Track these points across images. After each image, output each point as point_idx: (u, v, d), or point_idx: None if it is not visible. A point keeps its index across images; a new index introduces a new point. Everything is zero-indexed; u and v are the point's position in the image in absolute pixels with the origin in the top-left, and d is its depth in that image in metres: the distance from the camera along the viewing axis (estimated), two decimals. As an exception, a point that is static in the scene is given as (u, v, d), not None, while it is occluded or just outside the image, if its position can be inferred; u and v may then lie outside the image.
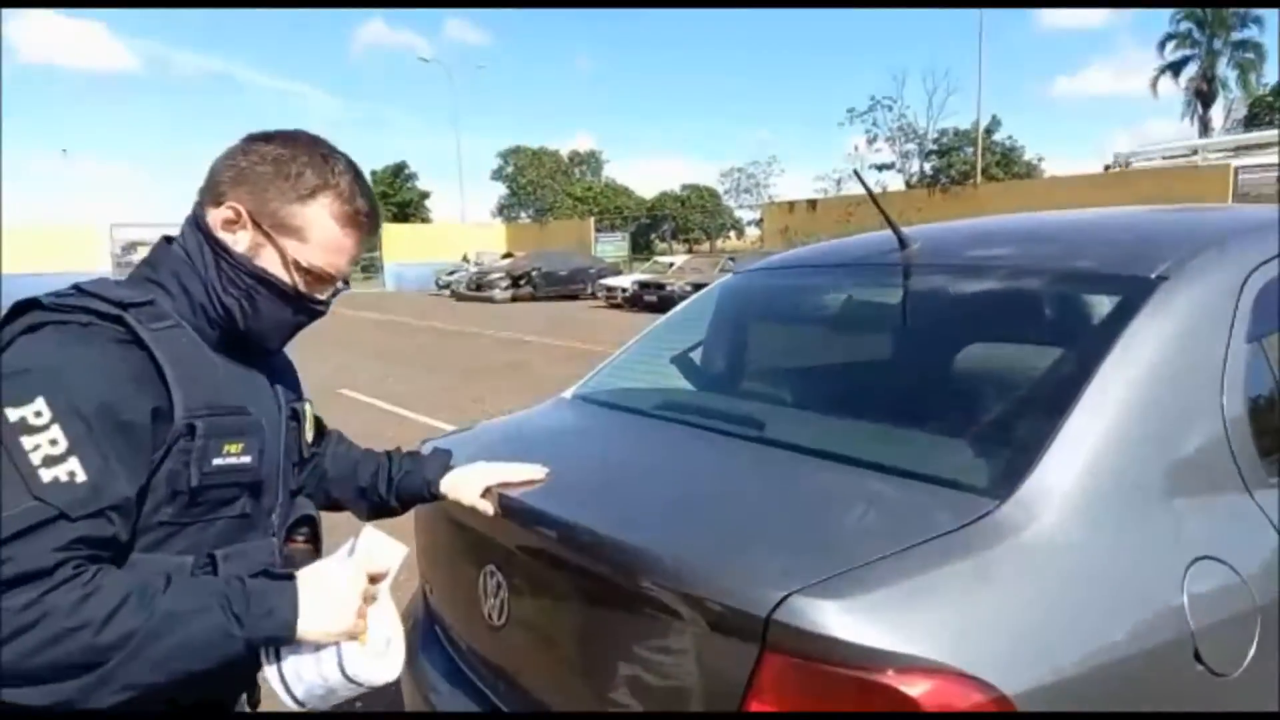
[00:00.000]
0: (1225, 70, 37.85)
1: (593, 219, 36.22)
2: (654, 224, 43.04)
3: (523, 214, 61.95)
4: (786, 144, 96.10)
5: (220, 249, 1.14)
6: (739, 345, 2.35)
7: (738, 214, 53.39)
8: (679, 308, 2.63)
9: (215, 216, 1.15)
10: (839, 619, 1.07)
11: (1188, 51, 38.55)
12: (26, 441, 0.92)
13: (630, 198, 58.45)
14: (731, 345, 2.36)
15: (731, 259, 21.46)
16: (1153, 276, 1.53)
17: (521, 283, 25.17)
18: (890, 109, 33.36)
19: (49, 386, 0.95)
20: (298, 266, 1.17)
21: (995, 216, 2.32)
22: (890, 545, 1.18)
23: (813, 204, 25.47)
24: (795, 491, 1.45)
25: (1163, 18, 38.93)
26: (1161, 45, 38.92)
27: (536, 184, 62.56)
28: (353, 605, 1.10)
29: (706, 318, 2.48)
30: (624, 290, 21.99)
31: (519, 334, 15.46)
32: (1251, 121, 37.24)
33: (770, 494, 1.45)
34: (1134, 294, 1.52)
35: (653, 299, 20.29)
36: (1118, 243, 1.78)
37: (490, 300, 24.33)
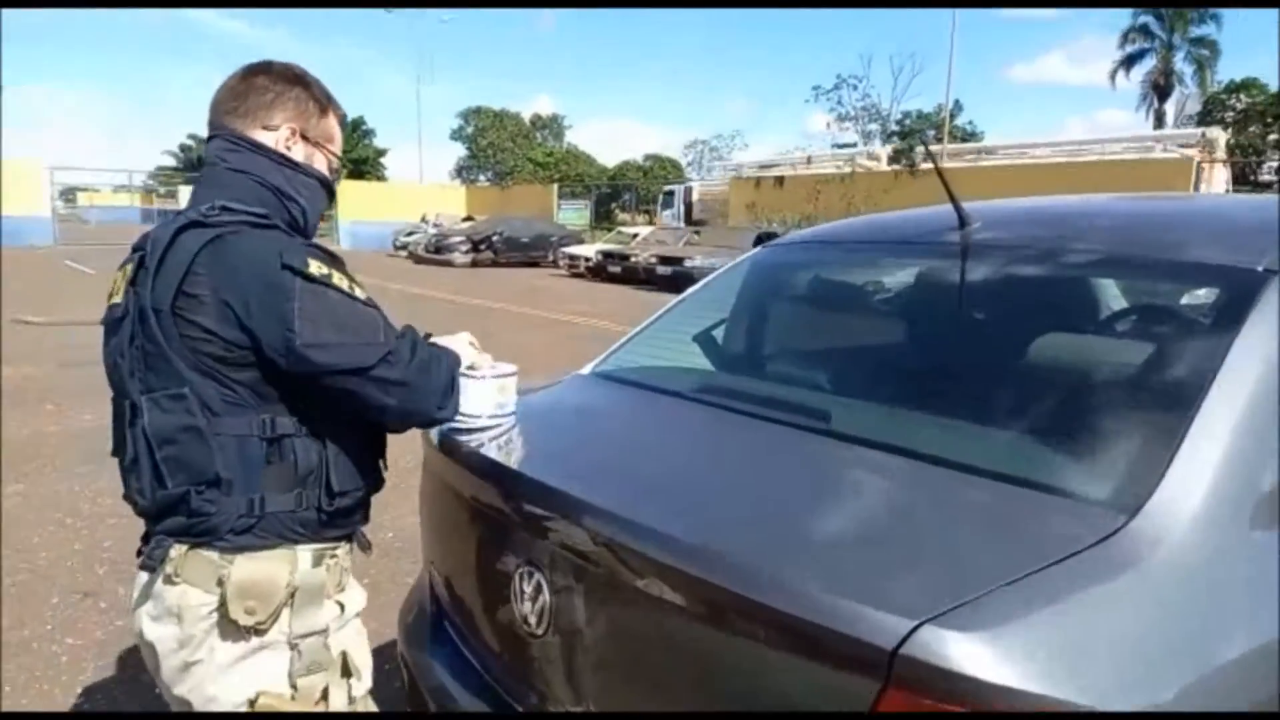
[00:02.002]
0: (1182, 65, 38.61)
1: (555, 185, 35.59)
2: (615, 193, 42.58)
3: (482, 177, 60.94)
4: (750, 118, 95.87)
5: (292, 164, 1.42)
6: (776, 325, 2.20)
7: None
8: (701, 284, 2.46)
9: (276, 138, 1.41)
10: (978, 655, 0.93)
11: (1145, 45, 39.18)
12: (336, 281, 1.30)
13: (592, 165, 57.76)
14: (767, 325, 2.21)
15: (696, 233, 21.27)
16: (1260, 269, 1.41)
17: (482, 247, 24.65)
18: (856, 88, 33.19)
19: (309, 255, 1.30)
20: (330, 166, 1.49)
21: (1049, 197, 2.19)
22: (1021, 566, 1.04)
23: (779, 180, 25.31)
24: (892, 495, 1.31)
25: (1124, 10, 39.37)
26: (1123, 39, 39.51)
27: (497, 146, 61.44)
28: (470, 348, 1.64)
29: (733, 294, 2.32)
30: (587, 260, 21.65)
31: (483, 300, 15.14)
32: (1205, 118, 38.06)
33: (866, 498, 1.31)
34: (1242, 288, 1.40)
35: (617, 270, 20.03)
36: (1208, 231, 1.66)
37: (450, 264, 23.79)
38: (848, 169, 23.20)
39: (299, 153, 1.43)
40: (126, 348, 1.29)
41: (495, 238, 24.92)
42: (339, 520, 1.40)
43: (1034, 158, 22.51)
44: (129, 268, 1.33)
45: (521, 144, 62.12)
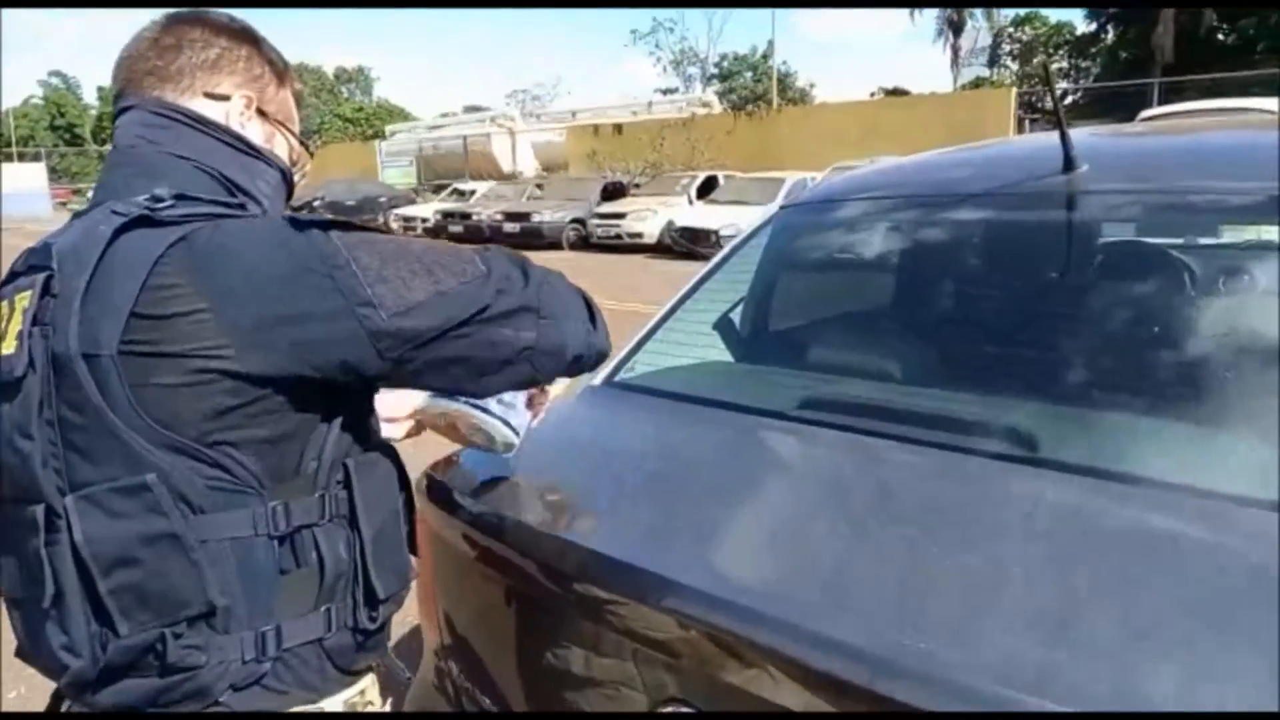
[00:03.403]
0: (971, -1, 40.90)
1: (380, 142, 33.27)
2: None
3: (286, 137, 56.62)
4: (561, 66, 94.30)
5: (250, 148, 1.03)
6: (826, 310, 1.80)
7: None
8: (717, 263, 2.00)
9: (226, 111, 1.02)
10: None
11: (936, -19, 41.21)
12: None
13: (408, 119, 55.05)
14: (815, 312, 1.81)
15: (539, 186, 20.52)
16: None
17: (303, 213, 22.56)
18: (672, 30, 32.99)
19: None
20: (290, 154, 1.11)
21: (1154, 132, 1.89)
22: None
23: (618, 128, 24.72)
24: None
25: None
26: (920, -25, 41.32)
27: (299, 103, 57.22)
28: None
29: (771, 273, 1.90)
30: (424, 220, 20.43)
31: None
32: (995, 50, 40.80)
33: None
34: None
35: (458, 229, 19.01)
36: None
37: (268, 235, 21.72)
38: (687, 113, 23.03)
39: (255, 132, 1.05)
40: (34, 423, 0.84)
41: (317, 203, 22.97)
42: (374, 641, 1.00)
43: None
44: (21, 298, 0.87)
45: (327, 99, 58.32)
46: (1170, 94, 18.07)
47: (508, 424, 1.20)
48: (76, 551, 0.83)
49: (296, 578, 0.92)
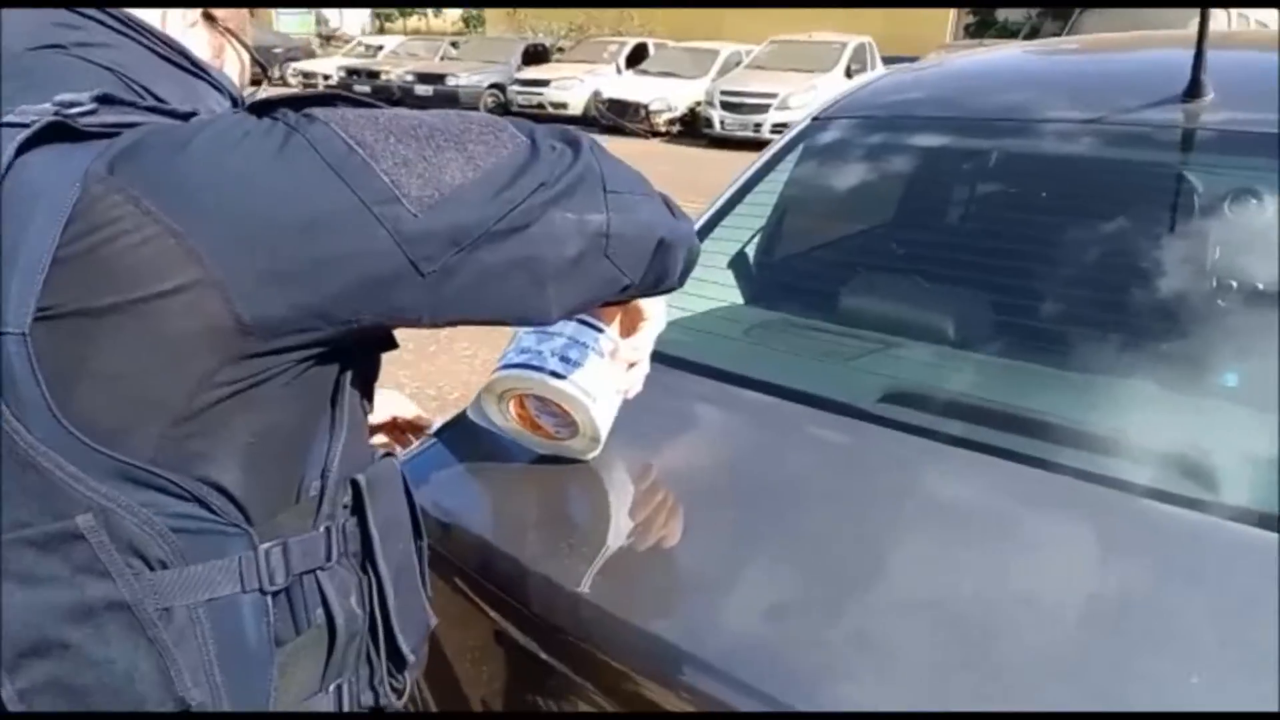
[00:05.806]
0: None
1: (272, -14, 30.21)
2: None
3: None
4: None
5: (193, 65, 0.73)
6: (884, 250, 1.49)
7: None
8: (737, 191, 1.63)
9: (164, 14, 0.73)
10: None
11: None
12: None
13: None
14: (866, 248, 1.51)
15: (454, 44, 19.05)
16: None
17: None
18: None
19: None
20: (241, 71, 0.83)
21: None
22: None
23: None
24: None
25: None
26: None
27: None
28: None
29: (799, 202, 1.56)
30: (327, 77, 18.74)
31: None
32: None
33: None
34: None
35: (365, 89, 17.09)
36: None
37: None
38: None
39: (200, 43, 0.77)
40: None
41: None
42: None
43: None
44: None
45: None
46: None
47: (585, 392, 0.97)
48: None
49: (297, 648, 0.68)
